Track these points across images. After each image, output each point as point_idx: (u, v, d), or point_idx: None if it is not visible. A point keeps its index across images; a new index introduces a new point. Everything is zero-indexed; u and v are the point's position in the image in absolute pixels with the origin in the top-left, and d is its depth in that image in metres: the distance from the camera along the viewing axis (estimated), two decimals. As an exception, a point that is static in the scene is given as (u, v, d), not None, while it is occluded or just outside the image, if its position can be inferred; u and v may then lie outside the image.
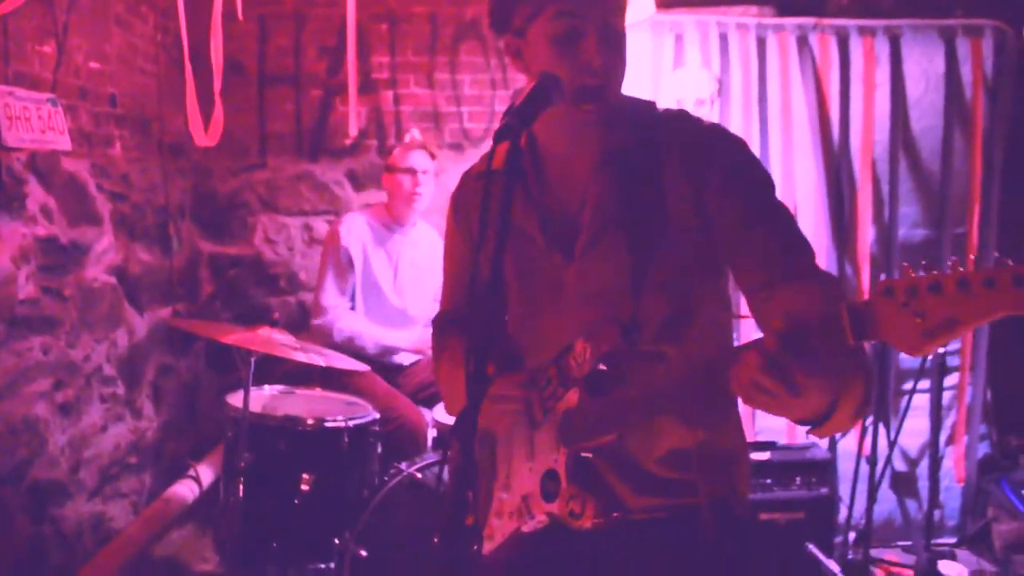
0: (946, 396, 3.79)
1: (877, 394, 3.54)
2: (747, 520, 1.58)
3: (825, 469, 3.42)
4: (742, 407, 1.56)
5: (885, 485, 3.72)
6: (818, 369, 1.13)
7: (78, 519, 3.17)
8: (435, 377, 1.86)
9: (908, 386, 3.64)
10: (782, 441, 3.63)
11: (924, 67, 3.74)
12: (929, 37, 3.73)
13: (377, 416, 2.95)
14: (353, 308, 3.45)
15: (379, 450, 2.97)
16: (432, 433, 3.16)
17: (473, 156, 4.18)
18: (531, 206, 1.55)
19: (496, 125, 1.30)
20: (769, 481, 3.34)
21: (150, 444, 3.79)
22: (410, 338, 3.46)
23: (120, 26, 3.54)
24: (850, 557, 3.55)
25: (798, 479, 3.35)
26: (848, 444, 3.72)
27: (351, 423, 2.84)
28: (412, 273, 3.53)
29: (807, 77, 3.71)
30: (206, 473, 3.63)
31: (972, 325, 1.01)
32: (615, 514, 1.44)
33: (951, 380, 3.81)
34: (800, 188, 3.71)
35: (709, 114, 3.39)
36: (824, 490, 3.38)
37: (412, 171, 3.39)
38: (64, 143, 3.00)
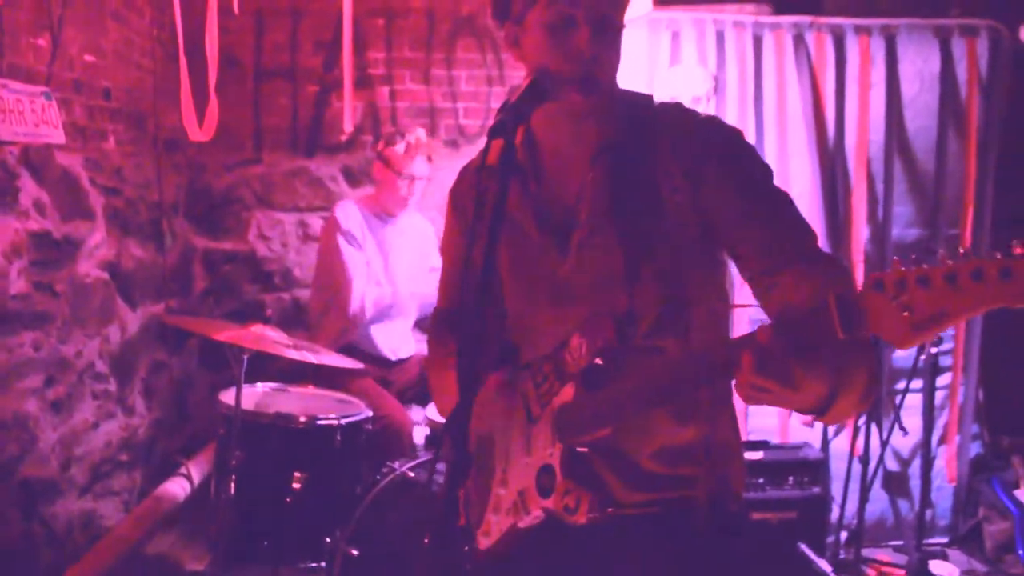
0: (938, 396, 3.80)
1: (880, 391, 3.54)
2: (741, 515, 1.58)
3: (817, 469, 3.43)
4: (736, 405, 1.57)
5: (877, 485, 3.73)
6: (813, 361, 1.13)
7: (68, 517, 3.16)
8: (428, 381, 1.86)
9: (901, 386, 3.65)
10: (775, 441, 3.65)
11: (919, 67, 3.74)
12: (924, 37, 3.73)
13: (370, 414, 2.95)
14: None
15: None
16: (425, 431, 3.15)
17: (469, 152, 4.18)
18: (527, 200, 1.54)
19: (492, 122, 1.30)
20: (762, 480, 3.35)
21: (142, 441, 3.78)
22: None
23: (115, 20, 3.53)
24: (842, 556, 3.56)
25: (791, 479, 3.37)
26: (840, 444, 3.73)
27: (344, 421, 2.83)
28: (402, 262, 3.52)
29: (803, 76, 3.71)
30: (198, 471, 3.62)
31: (960, 318, 1.02)
32: (609, 509, 1.44)
33: (943, 380, 3.81)
34: (795, 187, 3.71)
35: (705, 112, 3.39)
36: (816, 489, 3.39)
37: (411, 177, 3.37)
38: (58, 137, 2.98)
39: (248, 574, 2.91)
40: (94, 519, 3.35)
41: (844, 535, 3.63)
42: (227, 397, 2.83)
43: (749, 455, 3.28)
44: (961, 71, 3.73)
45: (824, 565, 3.08)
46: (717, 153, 1.45)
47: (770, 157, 3.70)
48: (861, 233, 3.77)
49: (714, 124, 1.51)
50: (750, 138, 3.77)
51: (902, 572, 3.55)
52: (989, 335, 3.85)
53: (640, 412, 1.38)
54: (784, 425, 3.74)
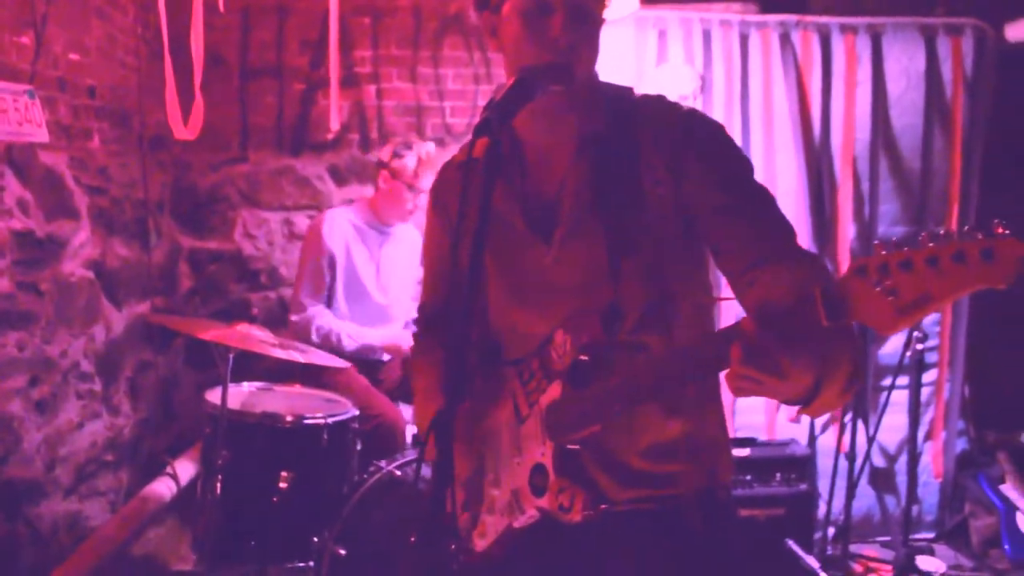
0: (924, 392, 3.82)
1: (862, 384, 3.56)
2: (731, 509, 1.59)
3: (805, 465, 3.44)
4: (724, 401, 1.57)
5: (864, 481, 3.75)
6: (799, 350, 1.13)
7: (53, 518, 3.14)
8: (412, 381, 1.85)
9: (887, 382, 3.67)
10: (762, 438, 3.66)
11: (905, 65, 3.76)
12: (910, 35, 3.75)
13: (357, 413, 2.93)
14: (331, 307, 3.42)
15: (359, 447, 2.95)
16: (414, 429, 3.15)
17: (455, 151, 4.16)
18: (512, 194, 1.54)
19: (478, 120, 1.29)
20: (749, 477, 3.36)
21: (127, 441, 3.76)
22: (386, 336, 3.43)
23: (100, 17, 3.50)
24: (829, 552, 3.58)
25: (778, 475, 3.38)
26: (827, 440, 3.74)
27: (330, 420, 2.82)
28: (394, 270, 3.51)
29: (789, 74, 3.72)
30: (184, 471, 3.60)
31: (944, 300, 1.01)
32: (603, 506, 1.44)
33: (929, 376, 3.83)
34: (781, 185, 3.72)
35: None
36: (804, 486, 3.41)
37: (420, 191, 3.35)
38: (42, 136, 2.96)
39: (235, 574, 2.90)
40: (80, 520, 3.33)
41: (831, 531, 3.64)
42: (213, 396, 2.82)
43: (736, 452, 3.28)
44: (946, 70, 3.76)
45: (812, 561, 3.09)
46: (698, 146, 1.45)
47: (756, 155, 3.71)
48: (847, 231, 3.78)
49: (696, 117, 1.50)
50: (736, 136, 3.80)
51: (889, 568, 3.57)
52: (974, 331, 3.88)
53: (627, 409, 1.37)
54: (771, 422, 3.75)
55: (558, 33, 1.40)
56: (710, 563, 1.49)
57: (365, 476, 2.78)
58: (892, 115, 3.78)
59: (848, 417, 3.63)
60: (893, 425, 3.75)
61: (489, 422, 1.60)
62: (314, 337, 3.30)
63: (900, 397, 3.65)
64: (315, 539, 2.76)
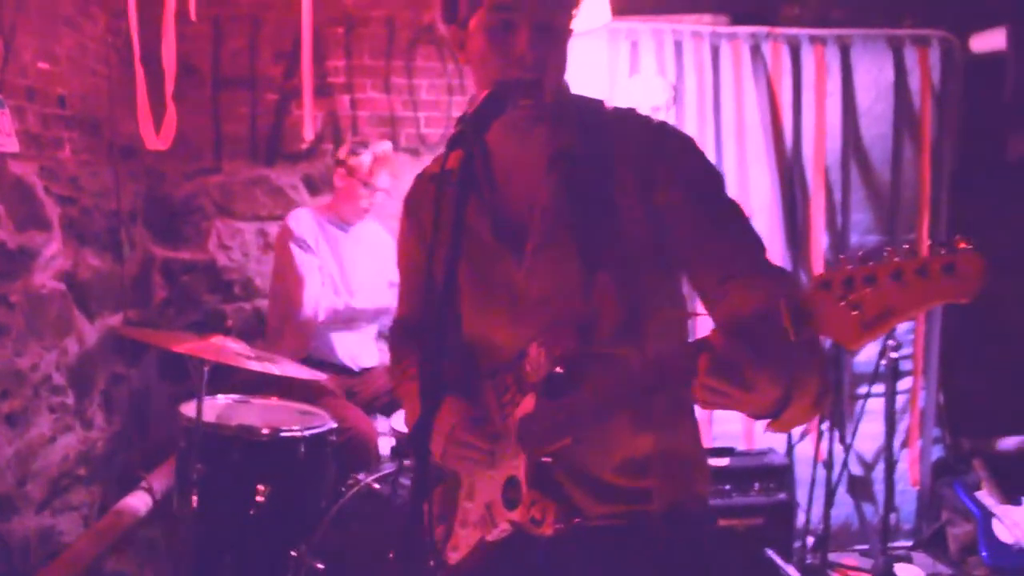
0: (899, 400, 3.85)
1: (832, 399, 3.58)
2: (706, 525, 1.58)
3: (783, 474, 3.45)
4: (699, 412, 1.57)
5: (842, 490, 3.77)
6: (765, 362, 1.13)
7: (24, 533, 3.09)
8: (395, 391, 1.85)
9: (863, 390, 3.70)
10: (740, 447, 3.67)
11: (874, 76, 3.80)
12: (878, 46, 3.80)
13: (334, 426, 2.91)
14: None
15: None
16: (390, 442, 3.13)
17: (430, 161, 4.16)
18: (482, 208, 1.54)
19: (452, 131, 1.29)
20: (728, 487, 3.36)
21: (101, 455, 3.71)
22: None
23: (70, 26, 3.47)
24: (808, 562, 3.58)
25: (756, 485, 3.38)
26: (805, 449, 3.76)
27: (307, 432, 2.79)
28: (356, 269, 3.50)
29: (760, 85, 3.75)
30: (159, 484, 3.55)
31: (908, 315, 1.02)
32: (575, 520, 1.44)
33: (904, 384, 3.86)
34: (754, 196, 3.75)
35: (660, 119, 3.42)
36: (782, 495, 3.42)
37: (375, 189, 3.36)
38: (11, 145, 2.92)
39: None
40: (52, 535, 3.28)
41: (810, 540, 3.66)
42: (188, 409, 2.78)
43: (714, 462, 3.29)
44: (914, 80, 3.81)
45: (791, 571, 3.11)
46: (670, 160, 1.45)
47: (729, 166, 3.74)
48: (820, 241, 3.81)
49: (667, 130, 1.51)
50: (709, 147, 3.84)
51: None
52: (948, 339, 3.92)
53: (599, 421, 1.37)
54: (749, 431, 3.77)
55: (524, 49, 1.39)
56: None
57: (343, 489, 2.76)
58: (862, 125, 3.82)
59: (825, 426, 3.66)
60: (869, 433, 3.78)
61: None
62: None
63: (876, 405, 3.68)
64: (293, 553, 2.72)
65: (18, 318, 3.05)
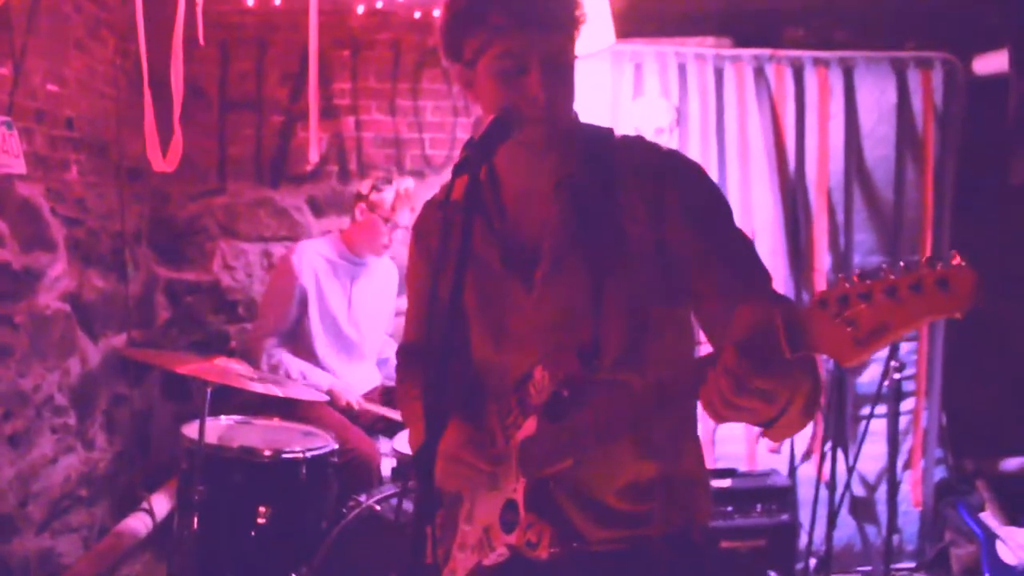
0: (902, 421, 3.84)
1: (835, 420, 3.58)
2: (710, 548, 1.58)
3: (785, 496, 3.44)
4: (701, 433, 1.57)
5: (844, 511, 3.75)
6: (778, 375, 1.14)
7: (25, 555, 3.08)
8: (400, 414, 1.85)
9: (865, 411, 3.69)
10: (742, 468, 3.65)
11: (877, 98, 3.82)
12: (881, 69, 3.82)
13: (336, 447, 2.91)
14: (308, 341, 3.40)
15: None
16: (392, 463, 3.12)
17: (434, 183, 4.18)
18: (491, 235, 1.54)
19: (457, 152, 1.30)
20: (730, 508, 3.35)
21: (102, 476, 3.71)
22: (337, 384, 3.35)
23: (79, 49, 3.50)
24: (811, 583, 3.56)
25: (759, 506, 3.37)
26: (807, 470, 3.75)
27: (309, 454, 2.79)
28: (366, 305, 3.50)
29: (763, 107, 3.77)
30: (160, 506, 3.54)
31: (903, 331, 1.02)
32: (574, 544, 1.43)
33: (907, 405, 3.85)
34: (757, 217, 3.76)
35: (668, 143, 3.42)
36: (785, 517, 3.40)
37: (396, 226, 3.36)
38: (19, 167, 2.94)
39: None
40: (52, 557, 3.27)
41: (813, 562, 3.63)
42: (190, 430, 2.79)
43: (717, 483, 3.28)
44: (917, 102, 3.82)
45: (793, 592, 3.09)
46: (678, 188, 1.45)
47: (733, 188, 3.75)
48: (823, 261, 3.82)
49: (675, 158, 1.52)
50: (712, 169, 3.84)
51: (871, 598, 3.57)
52: (951, 360, 3.91)
53: (601, 443, 1.37)
54: (751, 452, 3.76)
55: (536, 91, 1.39)
56: None
57: (344, 510, 2.75)
58: (865, 147, 3.84)
59: (828, 446, 3.64)
60: (872, 454, 3.77)
61: None
62: (264, 362, 3.29)
63: (879, 426, 3.67)
64: (293, 575, 2.72)
65: (22, 339, 3.06)
